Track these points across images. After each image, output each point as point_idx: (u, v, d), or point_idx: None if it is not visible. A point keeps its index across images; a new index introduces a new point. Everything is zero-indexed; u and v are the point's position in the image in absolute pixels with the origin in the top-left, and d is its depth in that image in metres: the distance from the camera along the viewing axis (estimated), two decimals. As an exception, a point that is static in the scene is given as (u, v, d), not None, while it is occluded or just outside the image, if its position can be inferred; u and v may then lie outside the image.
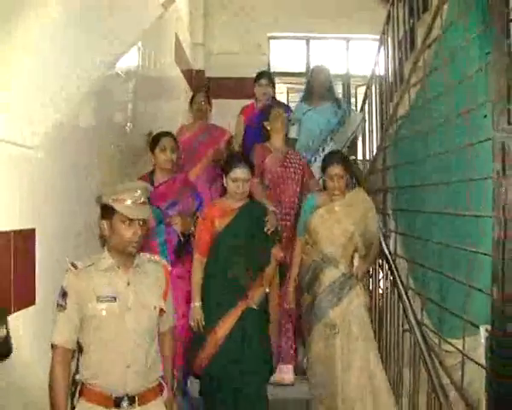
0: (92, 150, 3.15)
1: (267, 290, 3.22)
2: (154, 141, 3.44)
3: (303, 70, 7.06)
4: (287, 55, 7.32)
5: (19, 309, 2.18)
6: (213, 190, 4.56)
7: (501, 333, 2.00)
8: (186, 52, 6.05)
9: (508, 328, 1.97)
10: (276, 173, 3.99)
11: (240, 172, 3.18)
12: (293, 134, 4.72)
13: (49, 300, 2.30)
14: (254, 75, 6.55)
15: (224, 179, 3.27)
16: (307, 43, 7.04)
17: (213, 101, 6.44)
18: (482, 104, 2.17)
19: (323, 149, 4.64)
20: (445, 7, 2.72)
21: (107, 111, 3.47)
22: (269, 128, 4.13)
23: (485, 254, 2.11)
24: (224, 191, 3.60)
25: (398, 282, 3.18)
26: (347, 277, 3.34)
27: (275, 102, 4.79)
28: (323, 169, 3.51)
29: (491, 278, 2.05)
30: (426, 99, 2.96)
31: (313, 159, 4.64)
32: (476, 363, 2.25)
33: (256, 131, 4.60)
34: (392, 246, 3.60)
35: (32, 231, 2.28)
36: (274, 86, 5.03)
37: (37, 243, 2.31)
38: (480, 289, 2.17)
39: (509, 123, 2.04)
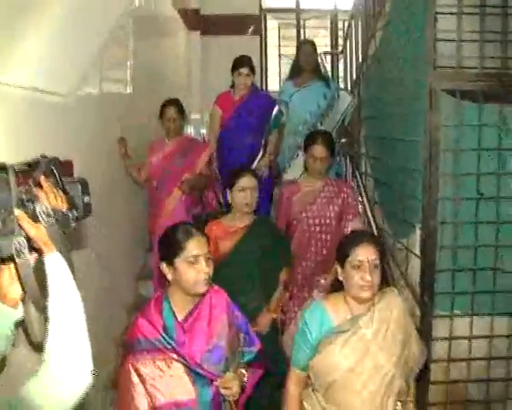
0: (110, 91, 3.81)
1: (275, 316, 3.06)
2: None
3: (293, 6, 7.50)
4: (278, -8, 7.75)
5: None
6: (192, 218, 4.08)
7: (426, 227, 2.69)
8: (181, -9, 6.49)
9: (431, 224, 2.66)
10: (301, 220, 3.51)
11: (247, 181, 3.02)
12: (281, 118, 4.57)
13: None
14: (248, 12, 7.06)
15: (228, 195, 3.06)
16: (297, -20, 7.40)
17: (209, 38, 7.00)
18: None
19: None
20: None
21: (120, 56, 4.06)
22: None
23: (418, 170, 2.77)
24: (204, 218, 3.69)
25: (365, 197, 3.83)
26: None
27: (257, 94, 4.50)
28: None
29: (422, 188, 2.73)
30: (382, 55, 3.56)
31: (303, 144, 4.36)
32: (413, 253, 2.96)
33: (236, 124, 4.34)
34: (363, 167, 4.21)
35: (71, 162, 2.93)
36: (254, 73, 4.49)
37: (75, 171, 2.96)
38: (416, 196, 2.83)
39: (434, 68, 2.65)
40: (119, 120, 3.98)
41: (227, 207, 3.22)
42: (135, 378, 1.96)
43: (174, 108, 4.13)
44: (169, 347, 2.00)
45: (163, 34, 5.69)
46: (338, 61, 6.84)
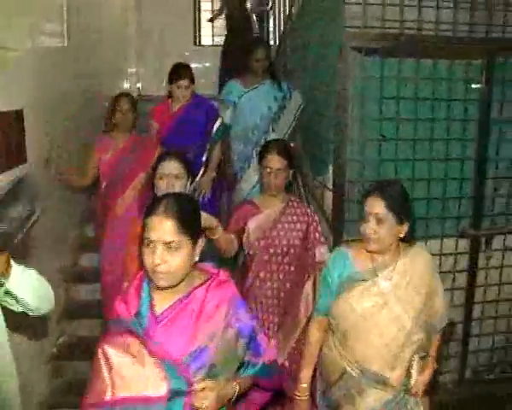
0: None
1: None
2: None
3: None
4: None
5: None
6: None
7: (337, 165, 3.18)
8: None
9: (340, 162, 3.15)
10: (260, 249, 2.99)
11: (168, 167, 2.60)
12: (226, 120, 4.17)
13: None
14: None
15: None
16: None
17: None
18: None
19: (265, 141, 3.95)
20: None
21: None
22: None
23: (330, 116, 3.23)
24: None
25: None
26: (402, 397, 2.25)
27: (197, 105, 3.99)
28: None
29: (333, 131, 3.20)
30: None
31: (254, 152, 4.16)
32: (327, 188, 3.45)
33: (173, 141, 3.85)
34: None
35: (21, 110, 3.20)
36: (193, 82, 4.00)
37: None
38: (328, 139, 3.31)
39: (344, 28, 3.09)
40: (58, 73, 4.15)
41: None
42: (101, 362, 1.69)
43: (127, 100, 3.88)
44: (139, 332, 1.70)
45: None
46: (268, 17, 7.16)
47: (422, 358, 2.27)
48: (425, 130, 3.34)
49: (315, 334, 2.41)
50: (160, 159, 2.67)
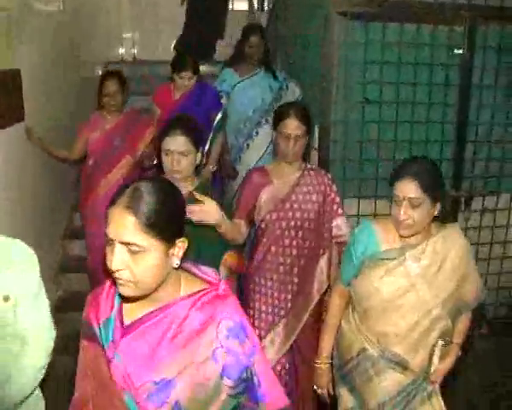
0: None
1: None
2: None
3: None
4: None
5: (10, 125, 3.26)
6: None
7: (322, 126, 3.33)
8: None
9: (325, 123, 3.30)
10: (272, 222, 2.72)
11: (174, 142, 2.31)
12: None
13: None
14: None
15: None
16: None
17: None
18: None
19: (257, 133, 4.06)
20: None
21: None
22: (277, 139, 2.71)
23: (316, 79, 3.36)
24: None
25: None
26: (420, 382, 2.15)
27: (200, 92, 3.80)
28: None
29: (319, 94, 3.33)
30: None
31: (245, 145, 4.10)
32: (313, 147, 3.60)
33: None
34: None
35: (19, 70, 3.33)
36: (198, 72, 3.83)
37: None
38: (315, 101, 3.44)
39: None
40: (52, 36, 4.25)
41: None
42: (83, 363, 1.49)
43: (114, 82, 3.71)
44: (104, 345, 1.40)
45: None
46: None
47: (445, 344, 2.14)
48: (407, 93, 3.48)
49: (336, 301, 2.30)
50: (165, 131, 2.36)
